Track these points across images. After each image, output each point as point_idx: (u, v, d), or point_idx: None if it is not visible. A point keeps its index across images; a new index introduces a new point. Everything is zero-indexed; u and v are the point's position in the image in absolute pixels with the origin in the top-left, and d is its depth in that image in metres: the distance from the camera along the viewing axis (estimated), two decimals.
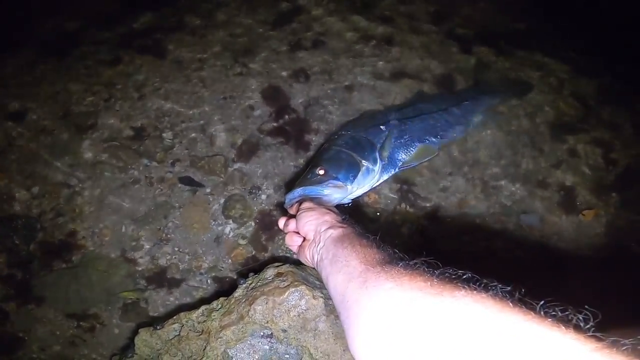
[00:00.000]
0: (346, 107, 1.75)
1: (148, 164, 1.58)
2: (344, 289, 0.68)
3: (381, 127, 1.47)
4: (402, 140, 1.46)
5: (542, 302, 0.48)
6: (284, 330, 1.11)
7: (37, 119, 1.68)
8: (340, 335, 1.13)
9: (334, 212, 1.02)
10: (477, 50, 1.99)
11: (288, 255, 1.46)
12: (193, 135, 1.64)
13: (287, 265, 1.20)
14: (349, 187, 1.25)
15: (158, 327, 1.19)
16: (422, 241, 1.47)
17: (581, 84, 1.92)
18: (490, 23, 2.18)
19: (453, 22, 2.13)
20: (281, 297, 1.07)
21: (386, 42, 1.99)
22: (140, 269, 1.47)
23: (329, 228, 0.88)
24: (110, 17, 2.06)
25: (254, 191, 1.55)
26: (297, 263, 1.25)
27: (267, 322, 1.09)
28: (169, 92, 1.75)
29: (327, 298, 1.13)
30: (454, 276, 0.56)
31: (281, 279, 1.13)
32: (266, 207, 1.53)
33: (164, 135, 1.64)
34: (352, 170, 1.27)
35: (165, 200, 1.53)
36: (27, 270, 1.49)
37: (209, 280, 1.47)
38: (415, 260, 0.64)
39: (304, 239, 1.03)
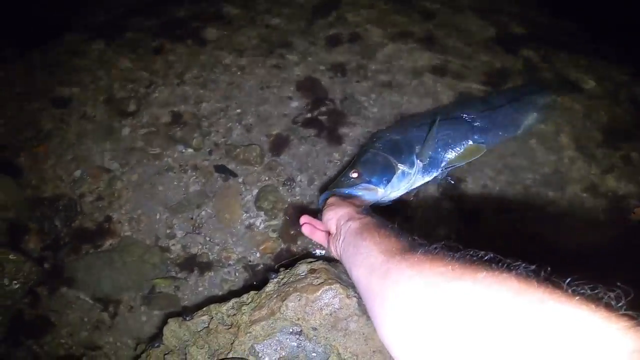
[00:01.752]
0: (383, 103, 1.70)
1: (184, 151, 1.59)
2: (368, 280, 0.69)
3: (423, 128, 1.41)
4: (447, 141, 1.40)
5: (568, 280, 0.46)
6: (314, 329, 1.08)
7: (80, 104, 1.72)
8: (371, 336, 1.09)
9: (354, 204, 1.02)
10: (525, 50, 1.89)
11: (319, 250, 1.44)
12: (229, 124, 1.64)
13: (320, 261, 1.17)
14: (382, 190, 1.24)
15: (187, 318, 1.18)
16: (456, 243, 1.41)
17: None
18: (540, 23, 2.06)
19: (500, 20, 2.03)
20: (314, 295, 1.04)
21: (427, 39, 1.92)
22: (172, 256, 1.48)
23: (348, 220, 0.89)
24: (154, 5, 2.09)
25: (288, 183, 1.53)
26: (330, 260, 1.22)
27: (298, 319, 1.07)
28: (207, 80, 1.76)
29: (360, 298, 1.10)
30: (475, 258, 0.56)
31: (314, 275, 1.10)
32: (299, 200, 1.50)
33: (202, 123, 1.65)
34: (386, 174, 1.26)
35: (199, 188, 1.53)
36: (63, 253, 1.52)
37: (237, 272, 1.46)
38: (435, 245, 0.63)
39: (329, 233, 1.03)
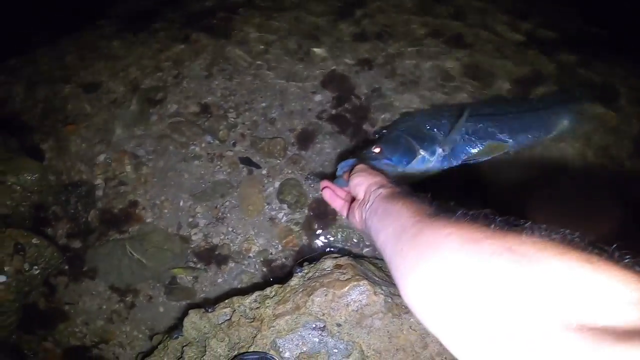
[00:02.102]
0: (410, 100, 1.67)
1: (211, 141, 1.59)
2: (396, 240, 0.65)
3: (450, 119, 1.41)
4: (472, 135, 1.40)
5: (614, 246, 0.43)
6: (339, 325, 1.06)
7: (110, 91, 1.74)
8: (395, 334, 1.07)
9: (385, 174, 0.99)
10: (559, 54, 1.84)
11: (345, 244, 1.42)
12: (255, 117, 1.63)
13: (346, 257, 1.15)
14: (400, 169, 1.28)
15: (209, 310, 1.17)
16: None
17: None
18: (575, 27, 2.01)
19: (534, 23, 1.98)
20: (342, 291, 1.02)
21: (456, 40, 1.87)
22: (193, 246, 1.47)
23: (379, 187, 0.85)
24: None
25: (311, 177, 1.51)
26: (356, 256, 1.19)
27: (323, 314, 1.05)
28: (233, 72, 1.75)
29: (387, 295, 1.08)
30: (515, 224, 0.52)
31: (341, 271, 1.08)
32: (322, 195, 1.49)
33: (228, 114, 1.64)
34: (407, 156, 1.30)
35: (224, 178, 1.53)
36: (85, 239, 1.53)
37: (257, 265, 1.45)
38: (473, 211, 0.59)
39: (353, 199, 1.00)
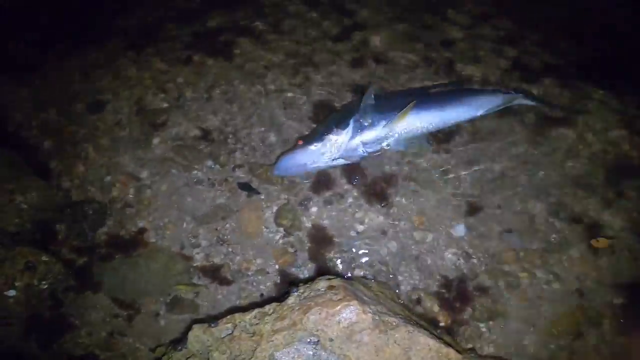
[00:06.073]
0: None
1: (212, 166, 1.68)
2: None
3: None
4: (388, 106, 1.64)
5: None
6: (331, 339, 1.17)
7: (114, 112, 1.81)
8: (382, 348, 1.18)
9: None
10: (542, 80, 1.94)
11: (334, 268, 1.54)
12: (253, 143, 1.73)
13: (339, 279, 1.27)
14: (315, 147, 1.55)
15: (212, 325, 1.26)
16: None
17: None
18: (563, 52, 2.09)
19: (522, 49, 2.06)
20: (334, 310, 1.13)
21: (447, 66, 1.98)
22: (195, 265, 1.56)
23: None
24: (186, 14, 2.17)
25: (304, 203, 1.62)
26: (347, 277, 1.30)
27: (317, 330, 1.16)
28: (234, 96, 1.84)
29: (375, 313, 1.19)
30: None
31: (333, 292, 1.19)
32: (315, 220, 1.59)
33: (228, 140, 1.73)
34: (320, 137, 1.57)
35: (224, 202, 1.62)
36: (91, 256, 1.60)
37: (255, 283, 1.55)
38: None
39: None
